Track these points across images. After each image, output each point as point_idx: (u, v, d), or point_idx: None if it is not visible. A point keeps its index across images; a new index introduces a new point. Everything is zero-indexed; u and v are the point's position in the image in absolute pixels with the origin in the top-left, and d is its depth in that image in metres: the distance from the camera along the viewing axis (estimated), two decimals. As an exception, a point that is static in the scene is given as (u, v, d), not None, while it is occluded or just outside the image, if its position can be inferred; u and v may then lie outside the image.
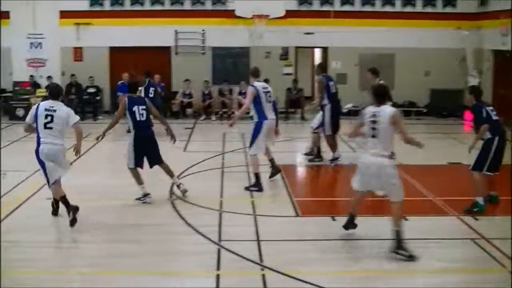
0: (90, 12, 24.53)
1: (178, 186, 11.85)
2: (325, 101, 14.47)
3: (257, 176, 12.61)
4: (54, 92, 10.44)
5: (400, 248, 8.54)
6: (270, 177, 13.26)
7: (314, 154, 15.32)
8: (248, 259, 8.56)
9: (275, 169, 13.33)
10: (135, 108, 11.43)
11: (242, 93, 23.62)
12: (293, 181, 13.56)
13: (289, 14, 23.95)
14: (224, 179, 13.57)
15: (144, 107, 11.52)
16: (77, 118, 10.30)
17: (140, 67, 21.74)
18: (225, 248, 9.00)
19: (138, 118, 11.43)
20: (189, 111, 24.20)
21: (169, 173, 11.92)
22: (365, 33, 23.89)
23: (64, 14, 24.24)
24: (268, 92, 12.79)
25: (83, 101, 23.59)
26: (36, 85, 23.68)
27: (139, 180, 11.53)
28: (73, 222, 9.93)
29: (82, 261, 8.66)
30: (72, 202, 10.16)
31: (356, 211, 9.57)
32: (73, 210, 9.99)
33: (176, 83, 24.71)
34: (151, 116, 11.73)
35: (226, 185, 13.03)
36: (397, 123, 8.77)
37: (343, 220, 10.13)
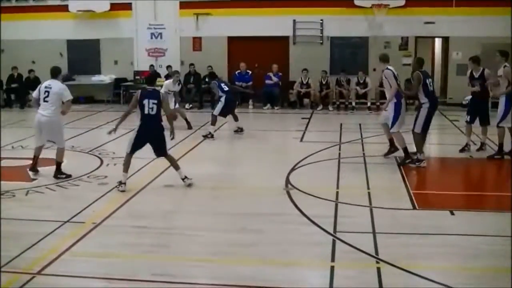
0: (209, 2, 24.93)
1: (183, 180, 11.81)
2: (423, 99, 13.86)
3: (405, 150, 13.71)
4: (52, 72, 12.57)
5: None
6: (386, 154, 14.14)
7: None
8: (363, 251, 8.39)
9: (394, 148, 14.19)
10: (145, 101, 11.46)
11: (360, 83, 23.43)
12: (410, 173, 13.27)
13: (409, 3, 23.58)
14: (341, 169, 13.42)
15: (155, 101, 11.49)
16: (71, 97, 12.51)
17: (257, 57, 21.87)
18: (340, 240, 8.87)
19: (146, 111, 11.47)
20: (306, 101, 24.21)
21: (175, 166, 11.93)
22: (487, 22, 23.11)
23: (184, 5, 24.80)
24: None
25: (201, 90, 23.91)
26: (156, 74, 24.16)
27: (125, 167, 11.65)
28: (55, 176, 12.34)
29: (203, 248, 8.71)
30: (191, 189, 10.77)
31: None
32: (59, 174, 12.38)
33: (294, 73, 24.68)
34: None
35: (343, 175, 12.87)
36: None
37: (462, 214, 9.89)
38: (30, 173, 12.69)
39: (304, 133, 17.98)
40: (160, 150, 11.83)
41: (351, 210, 10.44)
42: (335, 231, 9.29)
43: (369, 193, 11.43)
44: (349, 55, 24.95)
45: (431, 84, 13.88)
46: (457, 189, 12.39)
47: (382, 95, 23.17)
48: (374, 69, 24.14)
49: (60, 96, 12.37)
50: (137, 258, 8.30)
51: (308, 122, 20.46)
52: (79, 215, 9.92)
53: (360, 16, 23.95)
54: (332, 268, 7.89)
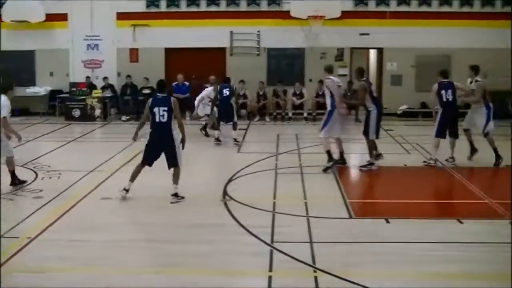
0: (146, 13, 24.84)
1: (174, 195, 11.67)
2: (371, 107, 14.34)
3: (328, 153, 14.18)
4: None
5: None
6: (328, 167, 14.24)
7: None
8: (300, 261, 8.47)
9: (343, 161, 14.70)
10: (155, 109, 11.36)
11: (297, 94, 23.61)
12: (347, 183, 13.44)
13: (345, 14, 23.90)
14: (278, 180, 13.50)
15: (165, 108, 11.35)
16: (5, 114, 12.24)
17: (195, 68, 21.89)
18: (277, 249, 8.92)
19: (157, 119, 11.38)
20: (243, 112, 24.24)
21: (176, 179, 11.73)
22: (421, 34, 23.63)
23: (121, 16, 24.67)
24: (340, 86, 14.56)
25: (138, 102, 23.76)
26: (92, 86, 24.02)
27: (132, 176, 11.68)
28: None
29: (141, 260, 8.72)
30: (128, 201, 10.74)
31: None
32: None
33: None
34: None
35: (280, 186, 12.96)
36: None
37: (397, 222, 10.11)
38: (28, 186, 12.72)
39: (241, 144, 18.04)
40: (172, 160, 11.60)
41: (288, 220, 10.50)
42: (272, 241, 9.34)
43: (306, 203, 11.51)
44: (285, 66, 25.10)
45: (374, 91, 14.82)
46: (393, 197, 12.57)
47: (319, 106, 23.47)
48: (311, 80, 24.44)
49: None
50: (75, 271, 8.19)
51: (245, 133, 20.52)
52: (13, 230, 9.72)
53: (297, 27, 24.16)
54: (270, 278, 7.94)
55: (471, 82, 15.29)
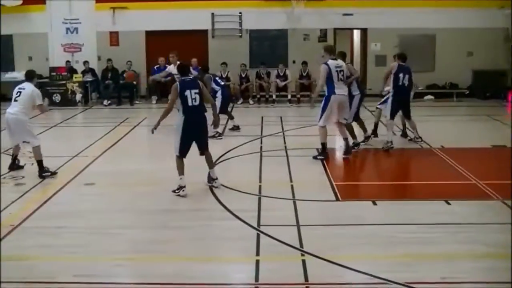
0: (126, -5, 24.45)
1: (213, 180, 11.35)
2: (356, 91, 14.49)
3: (323, 145, 13.51)
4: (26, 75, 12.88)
5: None
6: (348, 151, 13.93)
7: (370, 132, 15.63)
8: (287, 244, 8.39)
9: (348, 148, 13.94)
10: (187, 93, 10.71)
11: (280, 76, 23.46)
12: (332, 165, 13.34)
13: (328, -5, 23.66)
14: (263, 163, 13.39)
15: (196, 90, 10.78)
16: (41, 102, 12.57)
17: (176, 51, 21.63)
18: (264, 233, 8.84)
19: (190, 103, 10.70)
20: (226, 94, 24.06)
21: (210, 163, 11.41)
22: (405, 14, 23.51)
23: (100, -1, 24.27)
24: (342, 71, 13.41)
25: (120, 86, 23.55)
26: (72, 70, 23.74)
27: (180, 170, 10.87)
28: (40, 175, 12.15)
29: (125, 247, 8.57)
30: (112, 186, 10.67)
31: None
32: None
33: (213, 66, 24.48)
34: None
35: (265, 169, 12.84)
36: None
37: (384, 204, 10.02)
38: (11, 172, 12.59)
39: (225, 127, 17.87)
40: (204, 145, 11.16)
41: (275, 203, 10.42)
42: (259, 225, 9.26)
43: (292, 186, 11.42)
44: (268, 48, 24.89)
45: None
46: (379, 179, 12.51)
47: (303, 87, 23.37)
48: (294, 61, 24.34)
49: (31, 98, 12.29)
50: (57, 259, 8.06)
51: (229, 116, 20.34)
52: (-5, 217, 9.57)
53: (279, 9, 23.98)
54: (257, 262, 7.86)
55: None
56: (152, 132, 11.15)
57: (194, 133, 10.90)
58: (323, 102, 13.42)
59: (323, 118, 13.39)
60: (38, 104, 12.43)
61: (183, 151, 10.89)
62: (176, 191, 10.81)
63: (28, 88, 12.33)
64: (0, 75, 23.89)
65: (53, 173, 12.30)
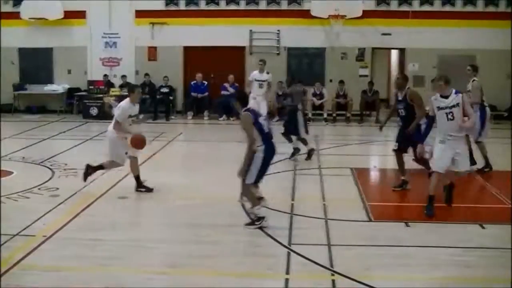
0: (165, 11, 24.74)
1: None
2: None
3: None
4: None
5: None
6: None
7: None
8: (318, 263, 8.32)
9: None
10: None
11: (317, 94, 23.40)
12: (366, 185, 13.23)
13: (366, 14, 23.68)
14: (296, 181, 13.35)
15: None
16: None
17: (213, 67, 21.75)
18: (294, 252, 8.79)
19: (266, 130, 10.21)
20: (263, 112, 24.07)
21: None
22: (444, 34, 23.35)
23: (140, 14, 24.62)
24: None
25: (156, 100, 23.71)
26: (110, 84, 23.95)
27: (255, 200, 10.14)
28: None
29: (158, 260, 8.61)
30: (146, 200, 10.88)
31: None
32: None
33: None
34: None
35: (298, 187, 12.81)
36: None
37: (416, 225, 9.93)
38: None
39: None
40: None
41: (306, 222, 10.36)
42: (289, 243, 9.20)
43: (324, 205, 11.36)
44: (306, 65, 24.88)
45: None
46: (413, 200, 12.36)
47: (339, 107, 23.28)
48: (331, 80, 24.29)
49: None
50: (90, 271, 8.12)
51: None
52: (29, 228, 9.66)
53: (317, 27, 23.99)
54: (287, 280, 7.81)
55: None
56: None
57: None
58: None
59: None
60: (115, 120, 12.01)
61: (259, 179, 10.24)
62: (257, 223, 10.00)
63: (121, 103, 12.19)
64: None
65: (150, 189, 12.17)
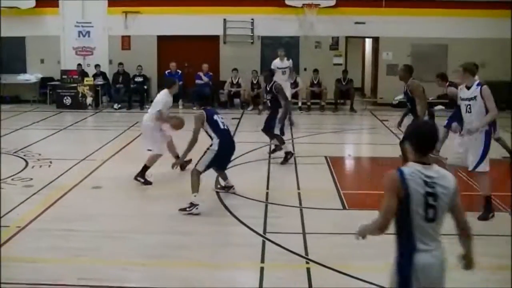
0: (138, 0, 24.51)
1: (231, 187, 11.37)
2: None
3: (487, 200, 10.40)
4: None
5: None
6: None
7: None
8: (293, 252, 8.38)
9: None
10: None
11: (291, 83, 23.39)
12: (341, 174, 13.30)
13: (340, 3, 23.77)
14: (271, 170, 13.38)
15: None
16: None
17: (188, 56, 21.65)
18: (270, 240, 8.82)
19: (221, 127, 10.73)
20: (237, 101, 24.08)
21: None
22: (418, 23, 23.45)
23: (113, 3, 24.51)
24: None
25: (131, 90, 23.62)
26: (83, 74, 23.79)
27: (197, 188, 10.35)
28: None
29: (133, 251, 8.56)
30: (120, 190, 10.74)
31: None
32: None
33: (224, 72, 24.54)
34: None
35: (273, 176, 12.84)
36: None
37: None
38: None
39: (235, 133, 17.84)
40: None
41: (281, 210, 10.40)
42: (264, 232, 9.24)
43: (299, 194, 11.40)
44: (280, 54, 24.86)
45: None
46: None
47: (313, 95, 23.33)
48: (305, 69, 24.29)
49: (155, 105, 12.61)
50: (64, 262, 8.08)
51: (239, 122, 20.36)
52: (3, 219, 9.54)
53: (291, 16, 23.99)
54: (262, 269, 7.85)
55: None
56: None
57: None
58: (484, 139, 9.91)
59: (485, 162, 9.95)
60: (157, 110, 12.29)
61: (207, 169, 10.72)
62: (188, 209, 10.18)
63: (159, 95, 12.73)
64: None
65: (147, 182, 12.03)
